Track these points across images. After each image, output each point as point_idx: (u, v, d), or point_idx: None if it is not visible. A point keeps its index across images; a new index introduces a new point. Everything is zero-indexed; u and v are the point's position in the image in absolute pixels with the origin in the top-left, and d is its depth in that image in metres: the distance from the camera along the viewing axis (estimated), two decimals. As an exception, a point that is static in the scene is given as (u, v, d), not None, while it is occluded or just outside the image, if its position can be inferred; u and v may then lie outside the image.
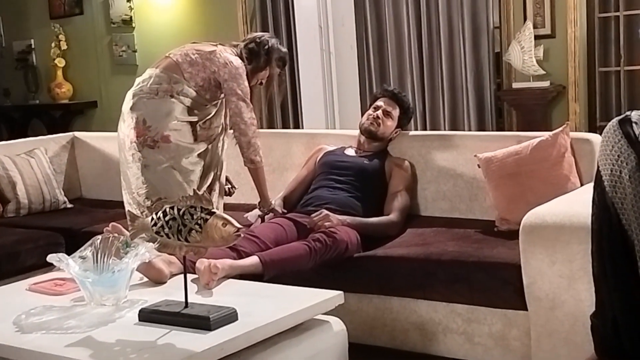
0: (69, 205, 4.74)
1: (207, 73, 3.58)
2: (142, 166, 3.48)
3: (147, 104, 3.54)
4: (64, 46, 7.31)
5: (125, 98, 3.65)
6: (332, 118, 5.96)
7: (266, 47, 3.75)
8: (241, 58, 3.70)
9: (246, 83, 3.60)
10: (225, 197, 3.86)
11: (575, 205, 3.03)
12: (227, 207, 3.86)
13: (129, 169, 3.53)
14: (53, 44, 7.30)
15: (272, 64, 3.77)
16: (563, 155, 3.43)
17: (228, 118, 3.69)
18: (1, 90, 7.84)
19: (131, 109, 3.57)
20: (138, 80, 3.65)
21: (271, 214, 3.79)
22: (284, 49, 3.89)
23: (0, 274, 3.78)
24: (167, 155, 3.50)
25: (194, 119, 3.57)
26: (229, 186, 3.86)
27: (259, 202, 3.82)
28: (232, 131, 3.71)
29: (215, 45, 3.70)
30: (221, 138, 3.69)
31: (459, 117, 6.05)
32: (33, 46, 7.65)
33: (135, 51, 7.04)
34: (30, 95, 7.69)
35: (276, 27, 6.63)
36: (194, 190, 2.47)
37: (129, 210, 3.36)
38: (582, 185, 3.43)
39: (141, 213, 2.53)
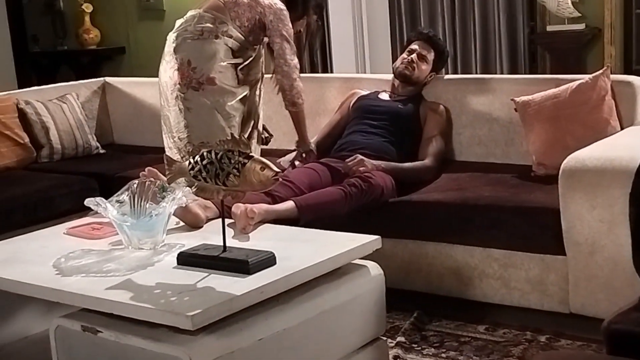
0: (102, 151, 4.75)
1: (252, 13, 3.52)
2: (185, 109, 3.43)
3: (191, 44, 3.48)
4: (91, -9, 7.26)
5: (168, 39, 3.57)
6: (362, 62, 5.89)
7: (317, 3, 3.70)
8: None
9: (290, 25, 3.55)
10: (261, 145, 3.83)
11: (616, 149, 2.98)
12: (261, 153, 3.84)
13: (170, 112, 3.50)
14: (80, -11, 7.25)
15: (309, 12, 3.71)
16: (603, 98, 3.36)
17: (265, 66, 3.64)
18: (30, 37, 7.82)
19: (175, 50, 3.50)
20: (180, 21, 3.58)
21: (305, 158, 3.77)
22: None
23: (35, 219, 3.80)
24: (211, 98, 3.45)
25: (238, 60, 3.52)
26: (266, 135, 3.82)
27: (297, 142, 3.78)
28: (269, 76, 3.66)
29: None
30: (259, 86, 3.65)
31: (491, 61, 5.95)
32: (60, -9, 7.60)
33: (162, -4, 6.96)
34: (58, 42, 7.66)
35: (305, -31, 6.52)
36: (231, 134, 2.45)
37: (166, 155, 3.34)
38: (622, 129, 3.37)
39: (182, 157, 2.51)
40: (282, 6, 3.56)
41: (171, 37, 3.56)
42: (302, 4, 3.69)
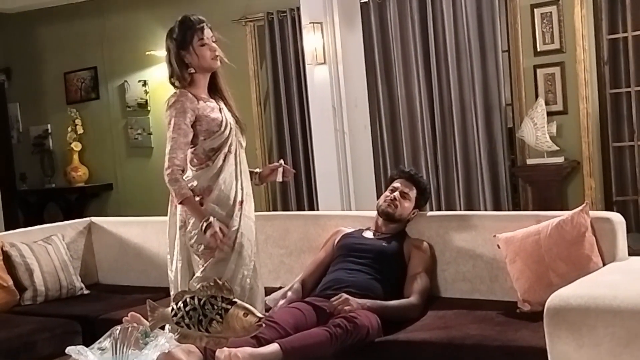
0: (86, 292, 4.70)
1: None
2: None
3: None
4: (80, 130, 7.42)
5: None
6: (347, 198, 5.97)
7: (169, 37, 3.53)
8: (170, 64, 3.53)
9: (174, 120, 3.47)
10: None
11: (600, 286, 2.99)
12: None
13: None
14: (69, 129, 7.40)
15: (187, 41, 3.47)
16: (584, 234, 3.40)
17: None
18: (18, 175, 7.92)
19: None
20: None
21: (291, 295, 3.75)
22: (179, 18, 3.55)
23: (17, 365, 3.74)
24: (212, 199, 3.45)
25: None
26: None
27: None
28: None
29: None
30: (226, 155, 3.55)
31: (474, 195, 6.05)
32: (49, 131, 7.76)
33: (150, 134, 7.13)
34: (46, 179, 7.76)
35: (290, 108, 6.71)
36: (214, 279, 2.45)
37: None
38: (604, 265, 3.39)
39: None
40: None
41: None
42: (170, 41, 3.52)
